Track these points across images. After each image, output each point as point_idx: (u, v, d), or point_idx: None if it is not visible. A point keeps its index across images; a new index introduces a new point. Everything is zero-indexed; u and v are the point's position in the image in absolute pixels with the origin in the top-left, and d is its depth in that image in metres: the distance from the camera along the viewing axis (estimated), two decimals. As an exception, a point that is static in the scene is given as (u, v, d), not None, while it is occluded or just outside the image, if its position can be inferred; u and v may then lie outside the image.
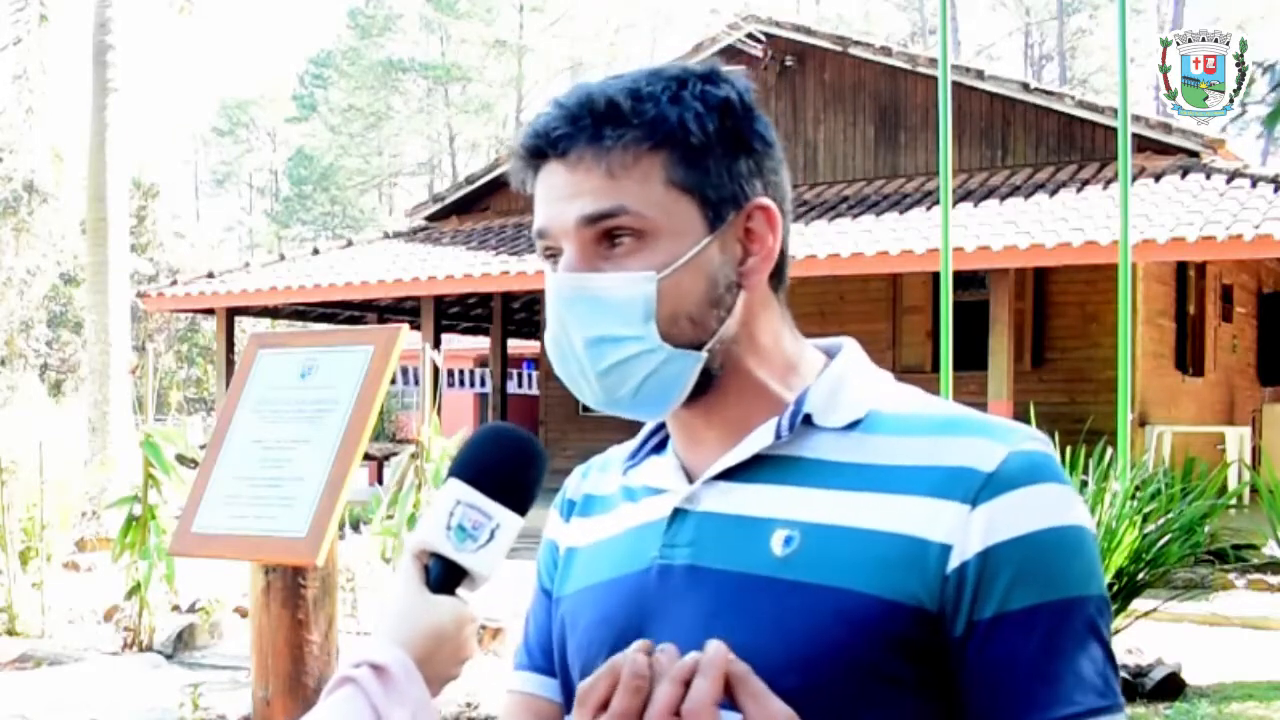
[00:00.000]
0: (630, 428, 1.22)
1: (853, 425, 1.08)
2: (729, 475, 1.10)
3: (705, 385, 1.09)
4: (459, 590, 1.10)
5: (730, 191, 1.08)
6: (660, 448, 1.19)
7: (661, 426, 1.20)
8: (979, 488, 1.00)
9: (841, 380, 1.11)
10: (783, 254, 1.12)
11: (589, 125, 1.06)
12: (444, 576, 1.09)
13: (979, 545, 0.99)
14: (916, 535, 1.01)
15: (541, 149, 1.09)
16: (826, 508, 1.05)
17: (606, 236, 1.06)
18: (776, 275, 1.13)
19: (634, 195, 1.05)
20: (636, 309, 1.05)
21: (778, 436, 1.08)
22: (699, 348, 1.07)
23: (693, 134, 1.06)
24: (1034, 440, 1.04)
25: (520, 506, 1.11)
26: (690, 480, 1.13)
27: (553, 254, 1.10)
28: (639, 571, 1.12)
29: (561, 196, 1.07)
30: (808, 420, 1.08)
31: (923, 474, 1.03)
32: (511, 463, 1.13)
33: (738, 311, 1.09)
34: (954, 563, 0.99)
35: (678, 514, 1.11)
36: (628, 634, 1.09)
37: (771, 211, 1.10)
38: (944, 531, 1.00)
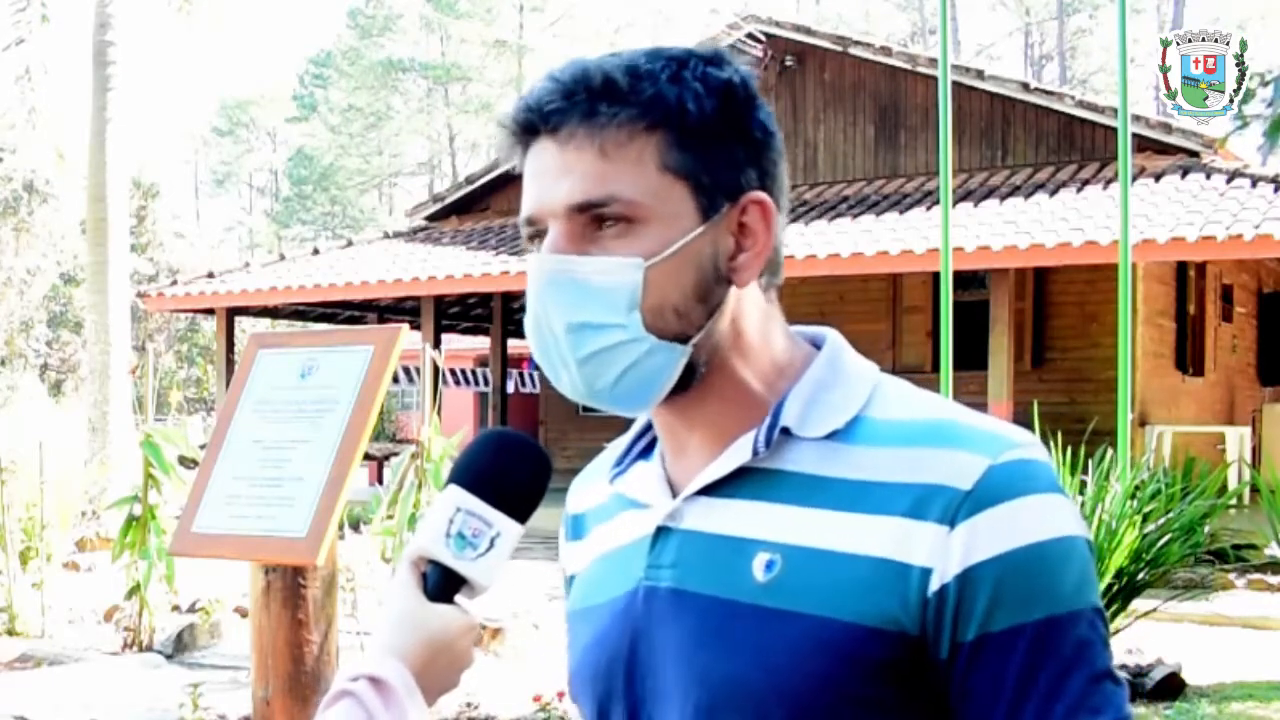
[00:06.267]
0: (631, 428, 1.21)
1: (833, 434, 1.04)
2: (711, 490, 1.06)
3: (688, 382, 1.04)
4: (457, 598, 1.08)
5: (725, 180, 1.03)
6: (648, 451, 1.15)
7: (650, 427, 1.15)
8: (956, 507, 0.97)
9: (820, 384, 1.06)
10: (776, 252, 1.07)
11: (584, 101, 1.01)
12: (442, 584, 1.07)
13: (958, 567, 0.96)
14: (897, 559, 0.97)
15: (533, 122, 1.04)
16: (807, 528, 1.01)
17: (595, 221, 1.02)
18: (769, 273, 1.08)
19: (626, 180, 1.01)
20: (621, 296, 1.01)
21: (755, 453, 1.04)
22: (684, 342, 1.03)
23: (690, 115, 1.01)
24: (1018, 448, 0.99)
25: (522, 515, 1.09)
26: (674, 493, 1.09)
27: (538, 236, 1.05)
28: (627, 593, 1.09)
29: (551, 176, 1.03)
30: (786, 431, 1.04)
31: (902, 492, 0.99)
32: (514, 470, 1.10)
33: (726, 308, 1.04)
34: (934, 585, 0.96)
35: (661, 532, 1.08)
36: (618, 657, 1.08)
37: (767, 206, 1.05)
38: (924, 555, 0.97)
